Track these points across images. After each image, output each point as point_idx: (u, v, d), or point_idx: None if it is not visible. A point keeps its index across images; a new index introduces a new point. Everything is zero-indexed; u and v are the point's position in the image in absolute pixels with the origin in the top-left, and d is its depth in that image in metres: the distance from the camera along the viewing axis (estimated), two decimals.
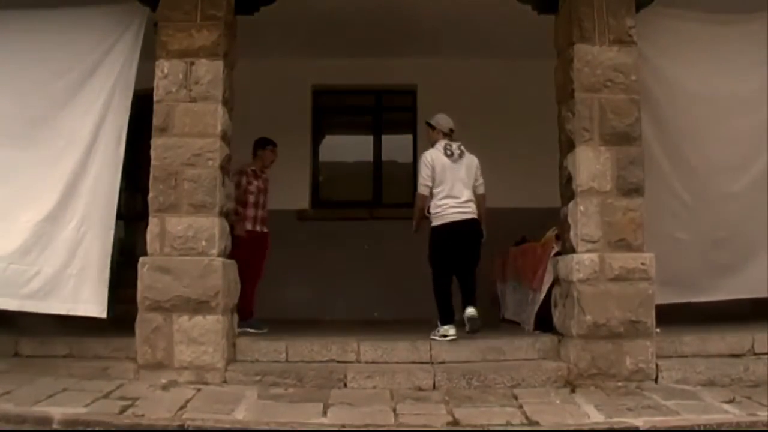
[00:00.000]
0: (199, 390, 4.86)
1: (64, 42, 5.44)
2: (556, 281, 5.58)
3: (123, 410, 4.30)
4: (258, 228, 6.58)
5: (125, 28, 5.45)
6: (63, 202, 5.28)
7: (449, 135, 6.00)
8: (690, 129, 5.62)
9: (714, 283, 5.71)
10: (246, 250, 6.17)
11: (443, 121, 6.03)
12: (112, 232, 5.34)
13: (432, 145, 6.02)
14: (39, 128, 5.35)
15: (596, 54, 5.32)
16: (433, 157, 5.85)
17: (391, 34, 7.35)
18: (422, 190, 5.87)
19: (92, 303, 5.24)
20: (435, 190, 5.82)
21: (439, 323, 5.71)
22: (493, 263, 7.37)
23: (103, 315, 5.24)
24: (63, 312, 5.22)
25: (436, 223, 5.82)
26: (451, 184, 5.79)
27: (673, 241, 5.61)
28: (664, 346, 5.25)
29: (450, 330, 5.58)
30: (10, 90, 5.38)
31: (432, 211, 5.85)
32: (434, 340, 5.53)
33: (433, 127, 6.08)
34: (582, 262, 5.15)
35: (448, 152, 5.84)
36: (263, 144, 6.76)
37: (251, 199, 6.54)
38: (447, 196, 5.79)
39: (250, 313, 6.32)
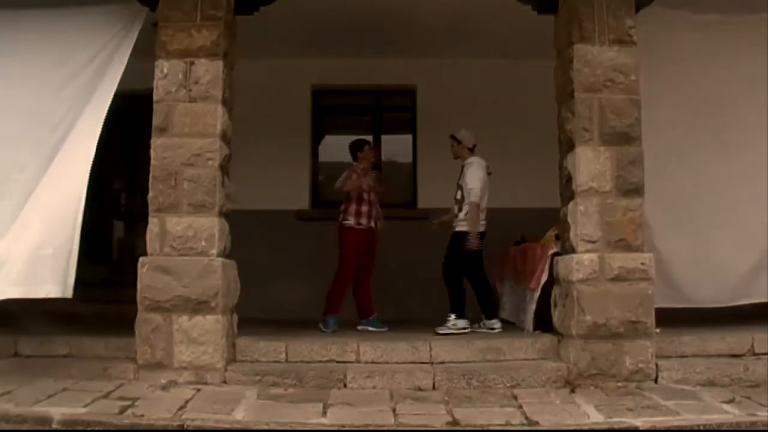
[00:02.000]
0: (198, 390, 4.86)
1: (63, 42, 5.43)
2: (555, 281, 5.58)
3: (123, 410, 4.30)
4: (372, 224, 6.67)
5: (122, 29, 5.44)
6: (37, 186, 5.23)
7: (473, 150, 6.45)
8: (689, 130, 5.62)
9: (716, 289, 5.71)
10: (360, 247, 6.53)
11: (469, 136, 6.51)
12: (80, 216, 5.20)
13: (458, 158, 6.49)
14: (30, 121, 5.34)
15: (596, 54, 5.32)
16: (482, 172, 6.35)
17: (391, 34, 7.35)
18: (478, 200, 6.26)
19: (60, 284, 5.10)
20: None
21: (456, 316, 6.14)
22: (493, 263, 7.37)
23: (69, 295, 5.08)
24: (42, 295, 5.09)
25: (480, 230, 6.27)
26: (486, 199, 6.35)
27: (673, 245, 5.60)
28: (664, 346, 5.25)
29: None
30: (8, 89, 5.38)
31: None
32: (445, 333, 5.92)
33: (459, 142, 6.49)
34: (582, 262, 5.15)
35: (489, 170, 6.41)
36: (360, 145, 6.88)
37: (364, 196, 6.62)
38: (484, 209, 6.34)
39: (371, 311, 6.53)
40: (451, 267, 6.32)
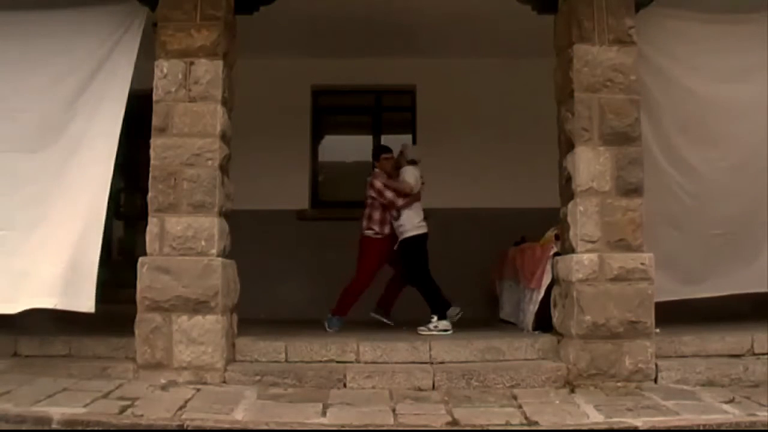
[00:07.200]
0: (198, 390, 4.86)
1: (64, 44, 5.42)
2: (555, 281, 5.58)
3: (122, 410, 4.30)
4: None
5: (125, 29, 5.44)
6: (56, 199, 5.24)
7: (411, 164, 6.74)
8: (689, 129, 5.63)
9: (715, 278, 5.71)
10: (383, 255, 6.56)
11: (414, 152, 6.86)
12: (101, 230, 5.27)
13: (398, 168, 6.75)
14: (40, 131, 5.33)
15: (596, 54, 5.32)
16: (417, 174, 6.60)
17: (390, 34, 7.35)
18: (412, 189, 6.51)
19: (80, 298, 5.17)
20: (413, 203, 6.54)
21: (438, 318, 6.19)
22: (493, 263, 7.37)
23: (92, 310, 5.16)
24: (50, 306, 5.13)
25: (422, 231, 6.51)
26: (420, 203, 6.59)
27: (671, 239, 5.60)
28: (664, 347, 5.25)
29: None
30: (9, 94, 5.36)
31: (414, 222, 6.49)
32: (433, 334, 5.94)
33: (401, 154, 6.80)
34: (581, 262, 5.15)
35: (422, 179, 6.69)
36: (385, 150, 6.93)
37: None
38: (420, 212, 6.56)
39: (344, 312, 6.52)
40: (412, 272, 6.47)
